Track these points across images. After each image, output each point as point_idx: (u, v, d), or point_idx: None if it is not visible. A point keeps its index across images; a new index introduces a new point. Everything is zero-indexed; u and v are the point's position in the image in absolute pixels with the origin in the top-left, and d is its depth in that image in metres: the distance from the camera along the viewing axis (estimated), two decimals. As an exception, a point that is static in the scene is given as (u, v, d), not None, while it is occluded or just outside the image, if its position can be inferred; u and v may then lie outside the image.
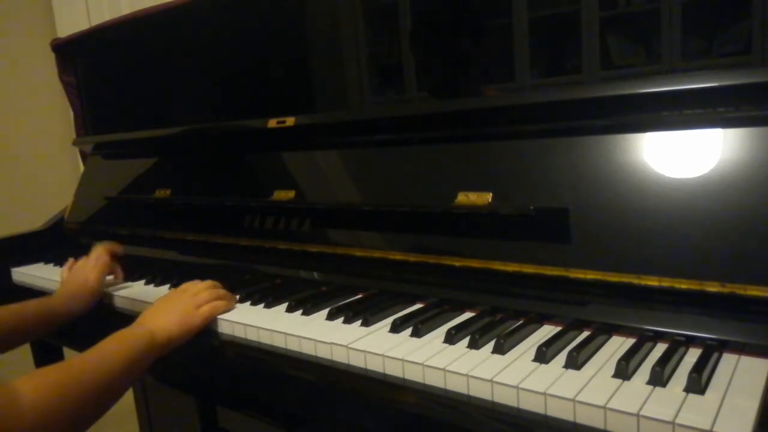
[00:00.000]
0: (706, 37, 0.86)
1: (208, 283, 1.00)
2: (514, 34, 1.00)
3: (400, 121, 1.07)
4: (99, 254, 1.21)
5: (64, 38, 1.77)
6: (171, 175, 1.47)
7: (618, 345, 0.73)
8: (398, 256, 0.97)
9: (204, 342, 0.95)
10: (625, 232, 0.77)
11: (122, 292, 1.17)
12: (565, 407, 0.60)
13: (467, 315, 0.86)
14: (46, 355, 1.58)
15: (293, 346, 0.84)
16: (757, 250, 0.68)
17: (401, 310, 0.90)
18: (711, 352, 0.66)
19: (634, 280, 0.75)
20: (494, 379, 0.65)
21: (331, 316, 0.89)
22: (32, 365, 1.61)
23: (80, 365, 0.79)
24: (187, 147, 1.49)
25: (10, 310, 1.05)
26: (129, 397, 1.94)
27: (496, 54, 1.07)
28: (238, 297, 1.02)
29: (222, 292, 0.99)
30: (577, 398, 0.60)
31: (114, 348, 0.84)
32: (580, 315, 0.80)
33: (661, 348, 0.70)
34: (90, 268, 1.18)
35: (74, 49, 1.77)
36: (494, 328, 0.79)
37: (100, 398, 0.79)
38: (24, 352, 1.55)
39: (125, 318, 1.11)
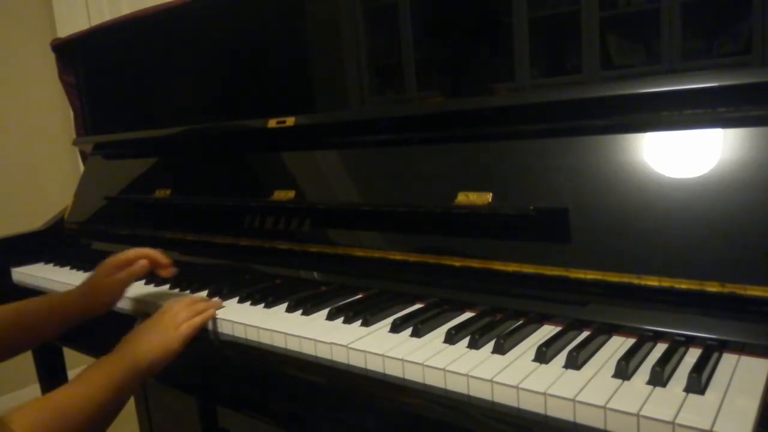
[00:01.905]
0: (706, 37, 0.86)
1: (186, 300, 0.99)
2: (514, 34, 1.00)
3: (400, 121, 1.07)
4: (138, 255, 1.10)
5: (64, 38, 1.77)
6: (171, 175, 1.47)
7: (618, 345, 0.73)
8: (398, 256, 0.97)
9: (204, 342, 0.95)
10: (625, 232, 0.77)
11: (122, 292, 1.16)
12: (565, 407, 0.60)
13: (467, 315, 0.86)
14: (46, 355, 1.58)
15: (293, 346, 0.84)
16: (757, 251, 0.68)
17: (401, 310, 0.90)
18: (711, 352, 0.66)
19: (634, 280, 0.75)
20: (494, 379, 0.65)
21: (331, 316, 0.89)
22: (32, 365, 1.61)
23: (67, 397, 0.79)
24: (187, 147, 1.49)
25: (11, 307, 1.02)
26: (129, 397, 1.94)
27: (496, 54, 1.07)
28: (237, 299, 1.02)
29: (200, 306, 0.97)
30: (577, 398, 0.60)
31: (98, 378, 0.83)
32: (580, 315, 0.80)
33: (661, 348, 0.70)
34: (119, 262, 1.09)
35: (74, 49, 1.77)
36: (494, 328, 0.79)
37: (87, 427, 0.79)
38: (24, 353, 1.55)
39: (123, 317, 1.12)
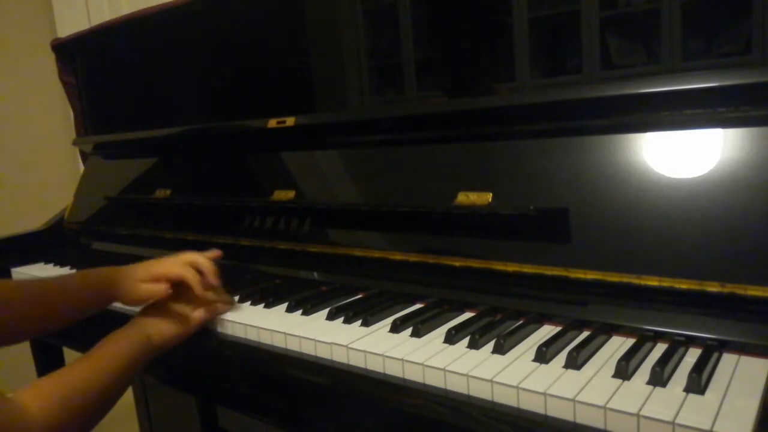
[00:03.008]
0: (706, 37, 0.86)
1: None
2: (514, 34, 1.00)
3: (400, 121, 1.07)
4: (177, 276, 0.94)
5: (64, 38, 1.77)
6: (171, 175, 1.47)
7: (618, 345, 0.73)
8: (398, 256, 0.97)
9: (204, 342, 0.95)
10: (625, 232, 0.77)
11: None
12: (565, 407, 0.60)
13: (467, 315, 0.86)
14: (46, 355, 1.58)
15: (293, 346, 0.84)
16: (757, 250, 0.68)
17: (401, 310, 0.90)
18: (711, 352, 0.66)
19: (634, 280, 0.75)
20: (494, 379, 0.65)
21: (331, 316, 0.89)
22: (32, 365, 1.61)
23: (79, 373, 0.80)
24: (187, 147, 1.49)
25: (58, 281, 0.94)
26: (129, 396, 1.94)
27: (496, 54, 1.07)
28: (237, 299, 1.02)
29: (220, 296, 0.98)
30: (577, 398, 0.60)
31: (111, 352, 0.84)
32: (580, 315, 0.80)
33: (661, 348, 0.70)
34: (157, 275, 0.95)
35: (74, 49, 1.77)
36: (494, 328, 0.79)
37: (100, 402, 0.80)
38: (24, 353, 1.55)
39: (123, 317, 1.12)
